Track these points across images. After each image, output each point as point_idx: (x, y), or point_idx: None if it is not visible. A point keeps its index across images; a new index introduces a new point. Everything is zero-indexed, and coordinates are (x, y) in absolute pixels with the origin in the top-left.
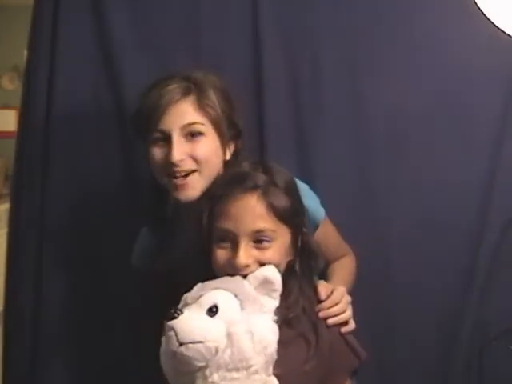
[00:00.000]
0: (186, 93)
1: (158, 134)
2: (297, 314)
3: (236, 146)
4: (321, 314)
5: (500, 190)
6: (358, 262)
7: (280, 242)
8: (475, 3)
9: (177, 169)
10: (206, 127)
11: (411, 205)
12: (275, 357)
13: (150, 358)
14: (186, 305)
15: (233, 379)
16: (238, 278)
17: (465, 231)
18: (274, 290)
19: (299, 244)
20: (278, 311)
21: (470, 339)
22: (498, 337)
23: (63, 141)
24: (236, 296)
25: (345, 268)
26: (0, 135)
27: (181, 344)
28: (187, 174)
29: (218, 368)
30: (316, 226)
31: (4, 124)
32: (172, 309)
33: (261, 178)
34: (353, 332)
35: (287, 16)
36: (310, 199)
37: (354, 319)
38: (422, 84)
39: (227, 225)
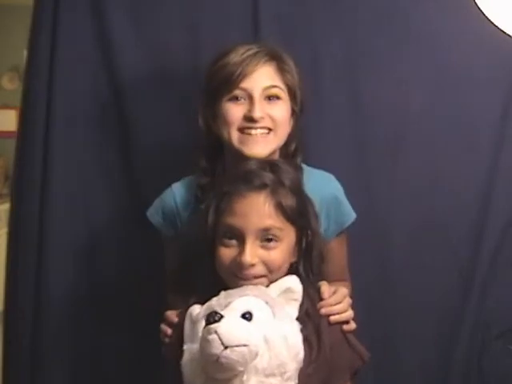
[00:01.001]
0: (270, 57)
1: (238, 92)
2: (300, 316)
3: (295, 123)
4: (323, 311)
5: (500, 191)
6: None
7: (286, 243)
8: (475, 3)
9: (255, 125)
10: (283, 93)
11: (411, 205)
12: (301, 365)
13: (150, 358)
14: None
15: None
16: (261, 286)
17: (465, 232)
18: (295, 300)
19: (303, 245)
20: None
21: (469, 339)
22: (498, 337)
23: (63, 141)
24: (267, 303)
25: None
26: (0, 135)
27: (226, 347)
28: (263, 133)
29: (256, 373)
30: (340, 230)
31: (4, 124)
32: (210, 313)
33: (268, 177)
34: (353, 332)
35: (287, 15)
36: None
37: (354, 319)
38: (421, 84)
39: (234, 221)
